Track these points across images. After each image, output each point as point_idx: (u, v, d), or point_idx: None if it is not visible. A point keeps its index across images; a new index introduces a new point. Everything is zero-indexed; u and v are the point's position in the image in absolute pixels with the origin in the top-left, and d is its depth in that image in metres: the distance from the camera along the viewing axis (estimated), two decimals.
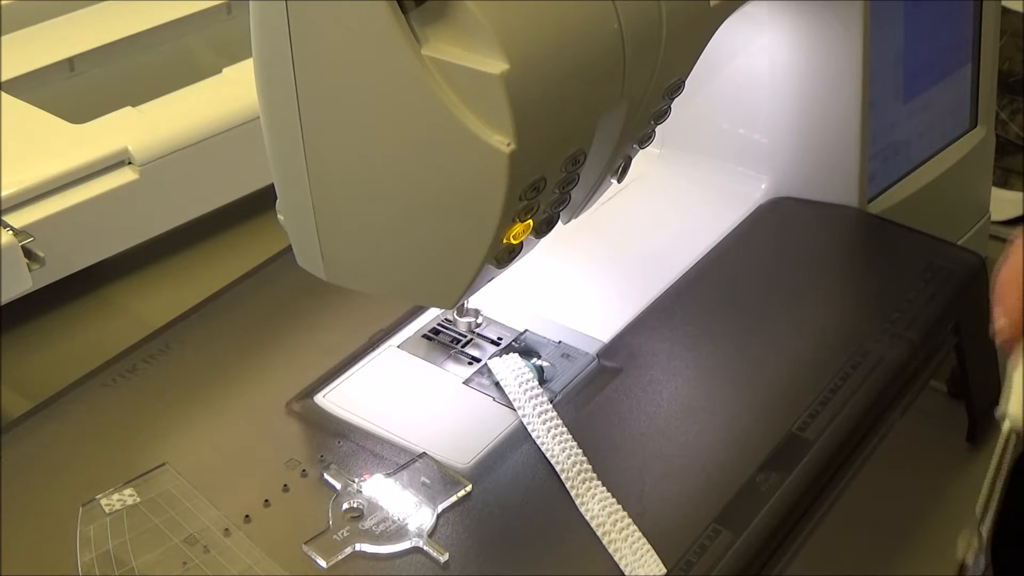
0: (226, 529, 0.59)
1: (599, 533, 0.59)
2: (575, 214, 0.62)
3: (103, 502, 0.60)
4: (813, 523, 0.64)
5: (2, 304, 0.76)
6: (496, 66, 0.49)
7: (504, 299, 0.73)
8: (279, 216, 0.60)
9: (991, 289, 0.56)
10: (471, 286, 0.57)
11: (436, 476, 0.62)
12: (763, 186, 0.84)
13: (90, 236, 0.82)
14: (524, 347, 0.71)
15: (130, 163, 0.82)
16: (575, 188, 0.58)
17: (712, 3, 0.59)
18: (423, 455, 0.63)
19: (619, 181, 0.63)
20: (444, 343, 0.71)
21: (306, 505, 0.61)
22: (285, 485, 0.62)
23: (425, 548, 0.58)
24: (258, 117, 0.57)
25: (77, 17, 1.00)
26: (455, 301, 0.59)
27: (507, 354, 0.69)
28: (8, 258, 0.74)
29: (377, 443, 0.64)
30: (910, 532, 0.79)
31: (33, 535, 0.60)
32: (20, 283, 0.76)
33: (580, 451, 0.63)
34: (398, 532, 0.59)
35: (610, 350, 0.70)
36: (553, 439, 0.64)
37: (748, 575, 0.59)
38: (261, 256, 0.80)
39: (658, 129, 0.62)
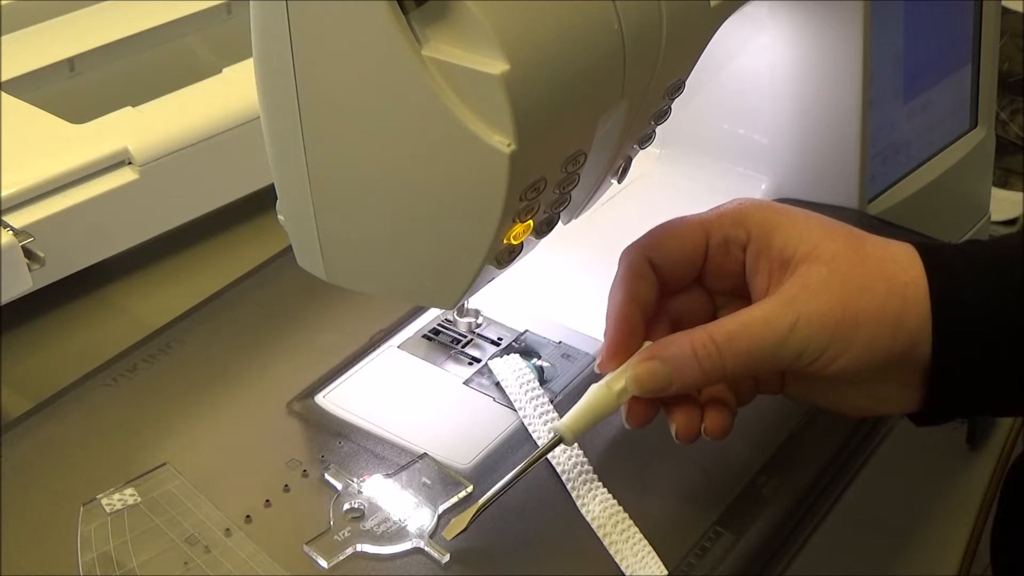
0: (227, 529, 0.59)
1: (600, 534, 0.59)
2: (575, 214, 0.62)
3: (104, 502, 0.60)
4: (813, 525, 0.64)
5: (2, 304, 0.75)
6: (496, 66, 0.49)
7: (504, 299, 0.73)
8: (279, 216, 0.60)
9: None
10: (471, 286, 0.57)
11: (437, 477, 0.62)
12: (763, 186, 0.84)
13: (90, 236, 0.81)
14: (524, 347, 0.71)
15: (130, 163, 0.82)
16: (575, 188, 0.58)
17: (712, 3, 0.59)
18: (424, 455, 0.63)
19: (619, 181, 0.63)
20: (444, 343, 0.71)
21: (307, 505, 0.61)
22: (286, 485, 0.62)
23: (426, 549, 0.58)
24: (258, 117, 0.57)
25: (77, 17, 1.00)
26: (455, 301, 0.59)
27: (507, 354, 0.70)
28: (8, 258, 0.74)
29: (378, 443, 0.64)
30: (910, 533, 0.79)
31: (33, 535, 0.60)
32: (20, 283, 0.76)
33: (581, 452, 0.63)
34: (399, 533, 0.59)
35: None
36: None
37: None
38: (261, 256, 0.80)
39: (658, 129, 0.62)
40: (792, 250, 0.58)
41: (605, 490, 0.61)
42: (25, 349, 0.80)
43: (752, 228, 0.59)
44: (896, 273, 0.56)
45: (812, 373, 0.57)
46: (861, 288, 0.56)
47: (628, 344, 0.59)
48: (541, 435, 0.64)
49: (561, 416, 0.65)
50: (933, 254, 0.57)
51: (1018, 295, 0.56)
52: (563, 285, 0.76)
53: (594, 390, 0.59)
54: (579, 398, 0.59)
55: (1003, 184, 1.08)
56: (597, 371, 0.60)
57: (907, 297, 0.56)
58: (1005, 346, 0.56)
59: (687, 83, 0.60)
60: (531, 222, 0.56)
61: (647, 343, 0.59)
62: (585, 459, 0.63)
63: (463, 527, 0.58)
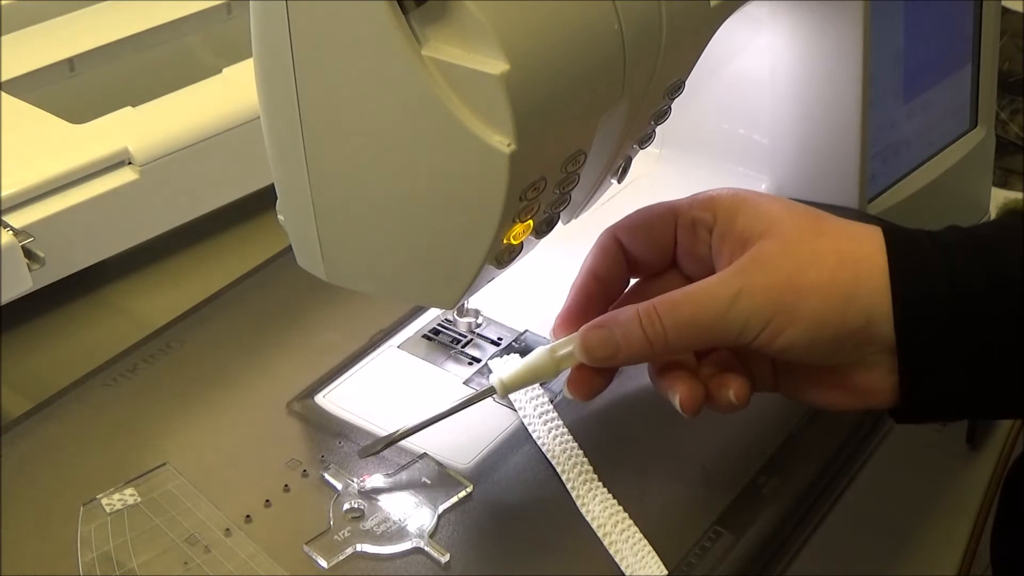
0: (227, 529, 0.59)
1: (600, 534, 0.59)
2: (575, 214, 0.62)
3: (104, 502, 0.60)
4: (813, 525, 0.64)
5: (2, 304, 0.75)
6: (496, 66, 0.49)
7: (504, 299, 0.73)
8: (279, 216, 0.60)
9: None
10: (471, 286, 0.57)
11: (437, 476, 0.62)
12: (763, 186, 0.84)
13: (90, 236, 0.81)
14: (524, 347, 0.71)
15: (130, 163, 0.82)
16: (575, 188, 0.58)
17: (712, 3, 0.59)
18: (424, 455, 0.63)
19: (619, 181, 0.63)
20: (444, 343, 0.71)
21: (307, 505, 0.61)
22: (286, 485, 0.62)
23: (426, 549, 0.58)
24: (258, 117, 0.57)
25: (77, 17, 1.00)
26: (455, 301, 0.59)
27: (507, 354, 0.70)
28: (8, 258, 0.74)
29: None
30: (910, 532, 0.79)
31: (33, 535, 0.60)
32: (20, 283, 0.76)
33: (581, 452, 0.63)
34: (399, 532, 0.59)
35: None
36: (554, 439, 0.64)
37: None
38: (261, 256, 0.80)
39: (658, 129, 0.63)
40: (751, 230, 0.58)
41: (605, 490, 0.61)
42: (25, 349, 0.80)
43: (719, 211, 0.60)
44: (850, 249, 0.56)
45: (762, 348, 0.56)
46: (810, 261, 0.56)
47: (581, 314, 0.61)
48: (541, 435, 0.64)
49: (561, 417, 0.65)
50: (896, 232, 0.57)
51: (984, 267, 0.55)
52: (563, 285, 0.75)
53: (537, 353, 0.60)
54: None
55: (1003, 184, 1.09)
56: (549, 337, 0.62)
57: (860, 272, 0.55)
58: (971, 317, 0.55)
59: (687, 83, 0.60)
60: (531, 222, 0.56)
61: None
62: (585, 459, 0.63)
63: (375, 451, 0.61)
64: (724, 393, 0.59)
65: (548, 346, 0.60)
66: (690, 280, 0.62)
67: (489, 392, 0.61)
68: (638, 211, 0.63)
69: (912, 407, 0.58)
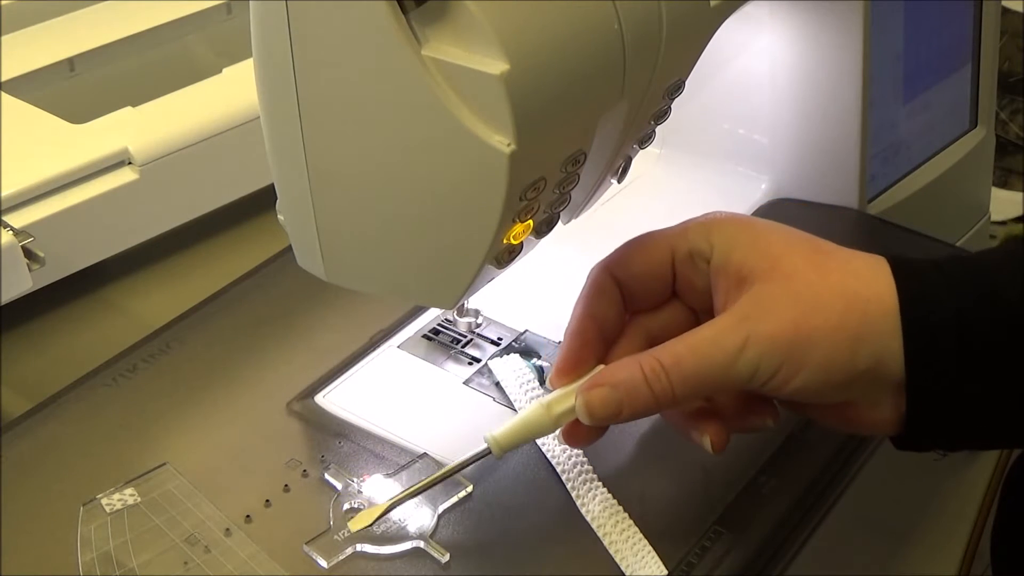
0: (227, 529, 0.59)
1: (600, 534, 0.59)
2: (575, 214, 0.62)
3: (104, 502, 0.60)
4: (813, 524, 0.64)
5: (2, 304, 0.75)
6: (496, 66, 0.49)
7: (504, 299, 0.73)
8: (279, 216, 0.60)
9: None
10: (471, 286, 0.57)
11: None
12: (763, 187, 0.84)
13: (90, 236, 0.81)
14: (524, 347, 0.71)
15: (130, 163, 0.82)
16: (575, 188, 0.58)
17: (712, 3, 0.59)
18: (424, 455, 0.63)
19: (619, 181, 0.63)
20: (444, 343, 0.71)
21: (307, 505, 0.61)
22: (286, 485, 0.62)
23: (426, 549, 0.58)
24: (258, 117, 0.57)
25: (77, 17, 1.00)
26: (455, 301, 0.59)
27: (507, 354, 0.70)
28: (8, 258, 0.74)
29: (377, 443, 0.65)
30: (910, 532, 0.79)
31: (33, 535, 0.60)
32: (20, 283, 0.76)
33: (580, 451, 0.63)
34: (399, 532, 0.59)
35: None
36: (554, 439, 0.64)
37: None
38: (261, 256, 0.80)
39: (658, 129, 0.62)
40: (750, 267, 0.56)
41: (605, 490, 0.61)
42: (25, 349, 0.80)
43: (715, 242, 0.58)
44: (857, 289, 0.55)
45: (771, 394, 0.55)
46: (816, 306, 0.54)
47: (579, 360, 0.59)
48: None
49: None
50: (904, 267, 0.55)
51: (993, 304, 0.54)
52: (563, 285, 0.75)
53: (533, 409, 0.58)
54: None
55: (1003, 184, 1.09)
56: (548, 387, 0.60)
57: (868, 313, 0.54)
58: (980, 355, 0.54)
59: (687, 83, 0.60)
60: (531, 222, 0.56)
61: (600, 367, 0.58)
62: (585, 459, 0.63)
63: (369, 523, 0.58)
64: (761, 421, 0.59)
65: (545, 400, 0.58)
66: (693, 311, 0.60)
67: (484, 453, 0.59)
68: (630, 243, 0.60)
69: (916, 440, 0.57)
